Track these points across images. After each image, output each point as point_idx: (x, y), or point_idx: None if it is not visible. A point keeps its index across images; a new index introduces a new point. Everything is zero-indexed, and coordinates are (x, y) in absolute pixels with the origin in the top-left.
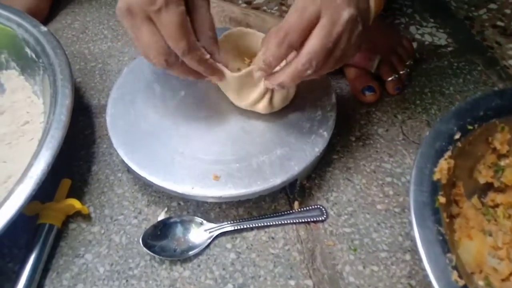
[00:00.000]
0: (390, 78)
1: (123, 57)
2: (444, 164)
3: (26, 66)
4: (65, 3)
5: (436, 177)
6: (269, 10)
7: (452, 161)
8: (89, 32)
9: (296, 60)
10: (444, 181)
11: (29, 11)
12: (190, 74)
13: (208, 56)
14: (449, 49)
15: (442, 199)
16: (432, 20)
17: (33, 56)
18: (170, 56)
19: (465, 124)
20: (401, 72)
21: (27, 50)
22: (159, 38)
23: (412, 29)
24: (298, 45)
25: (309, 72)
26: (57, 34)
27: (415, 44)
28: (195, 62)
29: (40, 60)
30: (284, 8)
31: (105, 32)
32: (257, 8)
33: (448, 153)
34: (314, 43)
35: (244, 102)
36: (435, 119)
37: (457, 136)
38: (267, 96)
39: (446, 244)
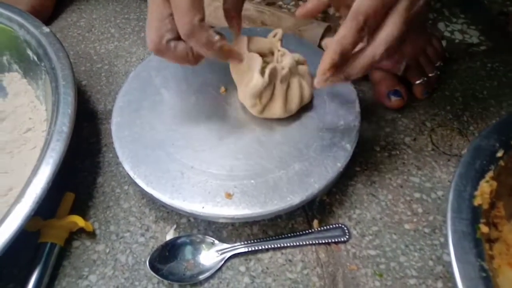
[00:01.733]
0: (418, 82)
1: (131, 57)
2: (485, 187)
3: (29, 69)
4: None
5: (476, 202)
6: (285, 6)
7: (494, 183)
8: (96, 30)
9: (372, 48)
10: (485, 206)
11: (33, 9)
12: (184, 60)
13: (217, 37)
14: (482, 48)
15: (484, 229)
16: (462, 16)
17: (35, 59)
18: (163, 38)
19: (508, 139)
20: (430, 75)
21: (29, 52)
22: (163, 16)
23: (441, 25)
24: (373, 31)
25: (378, 58)
26: (62, 33)
27: (444, 43)
28: (202, 46)
29: (42, 64)
30: (301, 3)
31: (112, 31)
32: (272, 3)
33: (490, 173)
34: (393, 29)
35: (259, 104)
36: (467, 127)
37: (499, 154)
38: (281, 97)
39: (490, 282)
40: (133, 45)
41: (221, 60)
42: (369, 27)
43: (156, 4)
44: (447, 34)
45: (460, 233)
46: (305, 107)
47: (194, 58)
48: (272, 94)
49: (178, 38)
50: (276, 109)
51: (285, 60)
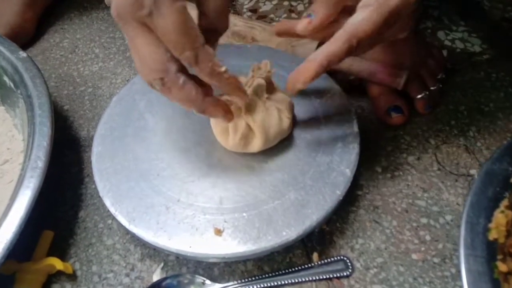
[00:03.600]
0: (419, 96)
1: (116, 79)
2: (500, 218)
3: (6, 96)
4: (54, 19)
5: (492, 236)
6: (277, 18)
7: (510, 213)
8: (79, 51)
9: (354, 27)
10: (501, 240)
11: (13, 32)
12: (192, 101)
13: (224, 68)
14: (485, 57)
15: (502, 267)
16: (463, 23)
17: (12, 85)
18: (167, 73)
19: None
20: (432, 88)
21: (5, 78)
22: (157, 47)
23: (441, 34)
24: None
25: (355, 44)
26: (43, 55)
27: (445, 53)
28: (207, 74)
29: (19, 91)
30: (293, 15)
31: (96, 51)
32: (264, 16)
33: (504, 201)
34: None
35: (232, 139)
36: (474, 143)
37: None
38: (258, 130)
39: None
40: (118, 65)
41: (227, 92)
42: (360, 48)
43: (135, 40)
44: (447, 43)
45: (476, 273)
46: (299, 129)
47: (202, 96)
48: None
49: (182, 70)
50: (253, 145)
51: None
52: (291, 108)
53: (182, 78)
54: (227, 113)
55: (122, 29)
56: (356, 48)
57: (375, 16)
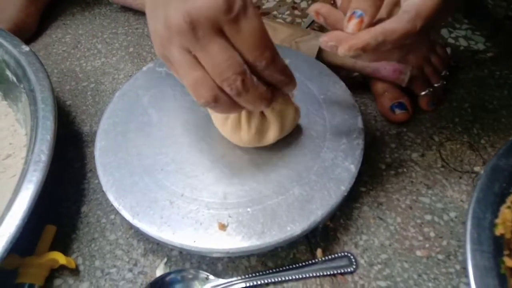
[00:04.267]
0: (423, 93)
1: (118, 74)
2: (507, 213)
3: (9, 91)
4: (56, 15)
5: (498, 231)
6: (280, 15)
7: None
8: (81, 47)
9: (417, 6)
10: (508, 236)
11: (16, 27)
12: (265, 98)
13: (287, 61)
14: (489, 54)
15: (509, 262)
16: (466, 21)
17: (14, 80)
18: (246, 74)
19: None
20: (435, 85)
21: (8, 73)
22: (233, 51)
23: (444, 32)
24: None
25: (418, 26)
26: (46, 50)
27: (448, 50)
28: (278, 71)
29: (22, 85)
30: (296, 12)
31: (98, 47)
32: (267, 13)
33: (511, 197)
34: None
35: (246, 134)
36: (478, 140)
37: None
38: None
39: None
40: (121, 61)
41: (285, 85)
42: (422, 33)
43: (208, 50)
44: (451, 41)
45: (483, 269)
46: (304, 125)
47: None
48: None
49: None
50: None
51: None
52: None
53: (255, 78)
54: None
55: (183, 41)
56: (418, 31)
57: None
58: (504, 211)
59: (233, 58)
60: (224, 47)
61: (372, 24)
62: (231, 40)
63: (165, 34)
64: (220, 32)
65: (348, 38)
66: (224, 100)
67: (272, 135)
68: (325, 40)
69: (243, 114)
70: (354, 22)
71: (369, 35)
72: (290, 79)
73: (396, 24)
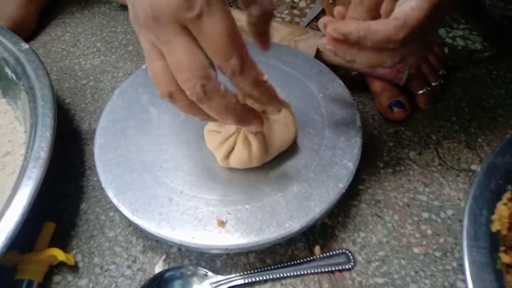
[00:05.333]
0: (421, 91)
1: (117, 72)
2: (503, 210)
3: (8, 88)
4: (55, 13)
5: (494, 227)
6: (279, 14)
7: None
8: (81, 45)
9: (405, 14)
10: (504, 232)
11: (15, 24)
12: (232, 109)
13: (266, 77)
14: (486, 54)
15: (505, 258)
16: (464, 21)
17: (14, 77)
18: (209, 79)
19: None
20: (433, 84)
21: (7, 70)
22: (197, 53)
23: (442, 32)
24: None
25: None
26: (45, 48)
27: (446, 50)
28: (249, 84)
29: (21, 82)
30: (295, 11)
31: (98, 45)
32: None
33: (507, 194)
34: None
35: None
36: (475, 139)
37: None
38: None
39: None
40: (120, 59)
41: (264, 103)
42: (406, 42)
43: (171, 46)
44: (448, 40)
45: (479, 264)
46: (303, 123)
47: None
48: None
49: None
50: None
51: None
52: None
53: (222, 85)
54: (261, 121)
55: (148, 34)
56: (400, 40)
57: (426, 6)
58: (500, 207)
59: (195, 59)
60: (188, 46)
61: None
62: (197, 40)
63: (135, 25)
64: (184, 29)
65: (336, 21)
66: (182, 100)
67: (254, 158)
68: (324, 43)
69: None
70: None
71: (354, 26)
72: (269, 99)
73: (381, 27)
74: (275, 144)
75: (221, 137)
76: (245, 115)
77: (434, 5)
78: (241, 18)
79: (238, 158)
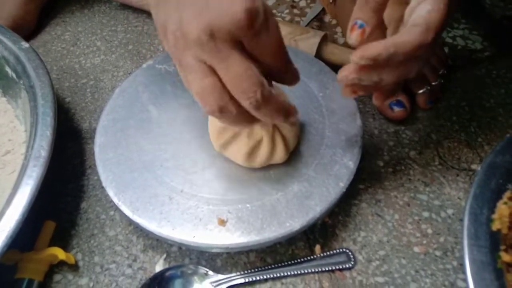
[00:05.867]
0: (421, 91)
1: (118, 71)
2: (503, 209)
3: (8, 87)
4: (55, 12)
5: (495, 227)
6: (279, 14)
7: None
8: (81, 44)
9: (426, 19)
10: (505, 231)
11: (15, 23)
12: (284, 109)
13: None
14: (486, 54)
15: (505, 257)
16: (464, 21)
17: (14, 76)
18: (264, 85)
19: None
20: (433, 83)
21: (7, 69)
22: (250, 63)
23: None
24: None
25: (430, 38)
26: (45, 47)
27: (446, 49)
28: (290, 72)
29: (21, 81)
30: (295, 11)
31: (98, 44)
32: None
33: (507, 193)
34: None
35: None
36: (475, 138)
37: None
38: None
39: None
40: (120, 58)
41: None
42: (434, 43)
43: (227, 62)
44: (448, 40)
45: (479, 263)
46: (303, 123)
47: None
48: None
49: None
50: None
51: None
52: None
53: (272, 90)
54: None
55: (201, 50)
56: (430, 42)
57: (442, 6)
58: (500, 206)
59: (251, 70)
60: (243, 59)
61: None
62: (250, 52)
63: (180, 39)
64: (238, 44)
65: (359, 50)
66: (230, 112)
67: (280, 156)
68: (346, 75)
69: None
70: (356, 33)
71: (381, 46)
72: (295, 76)
73: (407, 37)
74: (291, 141)
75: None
76: (290, 110)
77: (448, 4)
78: None
79: (265, 156)
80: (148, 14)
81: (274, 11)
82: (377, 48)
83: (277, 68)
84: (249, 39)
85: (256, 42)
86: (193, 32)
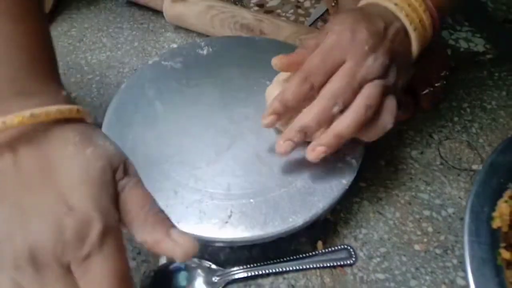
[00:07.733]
0: (424, 92)
1: (123, 68)
2: (504, 207)
3: None
4: (62, 8)
5: (495, 224)
6: (283, 14)
7: None
8: (87, 40)
9: (320, 98)
10: (505, 229)
11: None
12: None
13: None
14: (488, 56)
15: (505, 254)
16: (467, 24)
17: None
18: None
19: None
20: (436, 85)
21: None
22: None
23: (445, 33)
24: (319, 87)
25: (335, 109)
26: None
27: (449, 51)
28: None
29: None
30: (300, 11)
31: (104, 40)
32: (270, 11)
33: (508, 192)
34: (337, 80)
35: None
36: (477, 139)
37: None
38: None
39: None
40: (126, 55)
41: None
42: (311, 81)
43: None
44: (451, 42)
45: (480, 260)
46: None
47: None
48: None
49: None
50: None
51: None
52: None
53: None
54: None
55: (18, 273)
56: (309, 85)
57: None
58: (501, 205)
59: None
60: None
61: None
62: (79, 281)
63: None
64: (68, 270)
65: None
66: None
67: None
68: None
69: None
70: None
71: (325, 140)
72: None
73: (288, 84)
74: None
75: None
76: None
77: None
78: (247, 16)
79: None
80: (153, 11)
81: (278, 10)
82: (325, 141)
83: None
84: (76, 265)
85: (84, 270)
86: (9, 254)
